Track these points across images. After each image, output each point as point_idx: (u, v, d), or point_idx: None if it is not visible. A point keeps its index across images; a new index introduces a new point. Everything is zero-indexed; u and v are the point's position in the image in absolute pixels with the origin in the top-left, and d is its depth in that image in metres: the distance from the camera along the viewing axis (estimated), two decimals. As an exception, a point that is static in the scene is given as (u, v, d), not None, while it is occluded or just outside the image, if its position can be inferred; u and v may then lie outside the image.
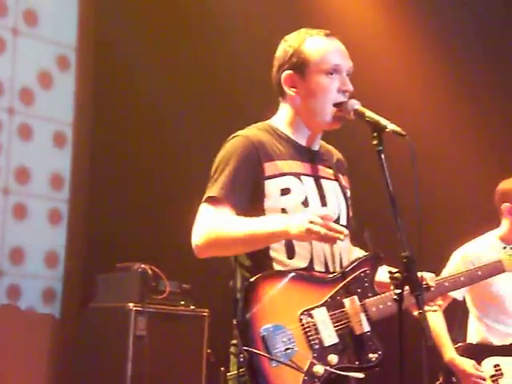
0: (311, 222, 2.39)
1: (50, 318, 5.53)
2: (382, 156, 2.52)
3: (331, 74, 2.66)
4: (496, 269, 3.23)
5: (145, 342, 5.06)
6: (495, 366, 4.09)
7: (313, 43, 2.69)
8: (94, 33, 5.82)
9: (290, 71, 2.69)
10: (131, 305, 5.10)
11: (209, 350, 5.34)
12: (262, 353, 2.43)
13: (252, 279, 2.55)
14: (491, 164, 5.73)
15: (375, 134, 2.51)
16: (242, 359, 2.45)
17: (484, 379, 4.03)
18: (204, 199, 2.62)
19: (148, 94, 5.87)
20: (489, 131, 5.86)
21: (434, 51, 5.93)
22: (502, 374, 4.07)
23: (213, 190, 2.60)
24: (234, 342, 2.53)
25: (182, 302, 5.45)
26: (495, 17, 6.04)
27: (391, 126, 2.52)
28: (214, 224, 2.55)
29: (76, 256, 5.63)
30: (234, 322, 2.51)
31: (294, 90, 2.69)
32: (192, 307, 5.47)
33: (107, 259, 5.48)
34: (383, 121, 2.54)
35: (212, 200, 2.59)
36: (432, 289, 2.73)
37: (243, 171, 2.60)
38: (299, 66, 2.67)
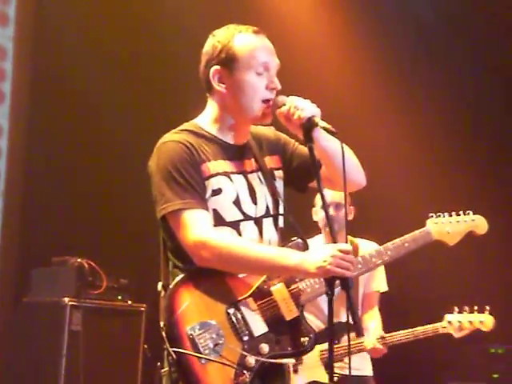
0: (333, 257, 2.42)
1: (-17, 313, 5.43)
2: (314, 152, 2.56)
3: (260, 73, 2.63)
4: (423, 238, 3.04)
5: (80, 338, 5.01)
6: None
7: (241, 40, 2.65)
8: (33, 24, 5.75)
9: (218, 67, 2.65)
10: (66, 299, 5.05)
11: (145, 345, 5.31)
12: (189, 352, 2.43)
13: (174, 281, 2.54)
14: (420, 151, 5.84)
15: (305, 132, 2.55)
16: (171, 360, 2.44)
17: None
18: (173, 210, 2.54)
19: (84, 88, 5.83)
20: (419, 119, 5.98)
21: (368, 48, 6.01)
22: (301, 362, 4.14)
23: (180, 197, 2.53)
24: None
25: (119, 297, 5.42)
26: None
27: (322, 124, 2.54)
28: (226, 242, 2.52)
29: (10, 249, 5.53)
30: (161, 325, 2.50)
31: (222, 85, 2.66)
32: (129, 302, 5.44)
33: (42, 253, 5.41)
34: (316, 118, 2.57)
35: (185, 208, 2.52)
36: (359, 265, 2.79)
37: (193, 173, 2.57)
38: (228, 61, 2.63)
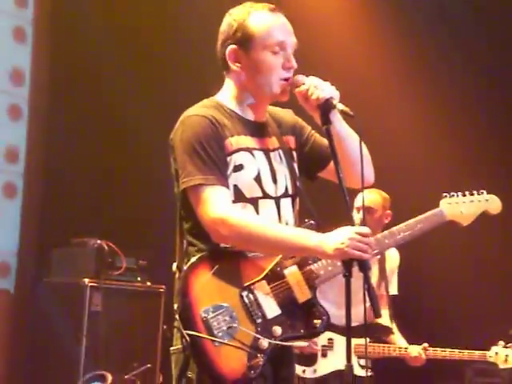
0: (351, 239, 2.42)
1: (4, 293, 5.49)
2: (332, 133, 2.55)
3: (276, 52, 2.62)
4: (437, 219, 2.95)
5: (100, 318, 5.05)
6: (329, 339, 4.37)
7: (257, 18, 2.62)
8: (51, 6, 5.75)
9: (235, 46, 2.63)
10: (86, 280, 5.08)
11: (165, 326, 5.34)
12: (203, 335, 2.44)
13: (189, 263, 2.55)
14: (444, 138, 5.80)
15: (323, 113, 2.54)
16: (185, 343, 2.46)
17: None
18: (194, 184, 2.53)
19: (103, 70, 5.83)
20: (440, 99, 5.94)
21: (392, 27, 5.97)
22: (332, 347, 4.36)
23: (202, 172, 2.53)
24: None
25: (139, 278, 5.45)
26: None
27: (340, 106, 2.53)
28: (246, 220, 2.53)
29: (31, 230, 5.57)
30: (175, 307, 2.51)
31: (238, 65, 2.65)
32: (148, 283, 5.47)
33: (63, 234, 5.44)
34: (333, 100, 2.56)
35: (206, 184, 2.52)
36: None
37: (217, 149, 2.57)
38: (244, 41, 2.62)
